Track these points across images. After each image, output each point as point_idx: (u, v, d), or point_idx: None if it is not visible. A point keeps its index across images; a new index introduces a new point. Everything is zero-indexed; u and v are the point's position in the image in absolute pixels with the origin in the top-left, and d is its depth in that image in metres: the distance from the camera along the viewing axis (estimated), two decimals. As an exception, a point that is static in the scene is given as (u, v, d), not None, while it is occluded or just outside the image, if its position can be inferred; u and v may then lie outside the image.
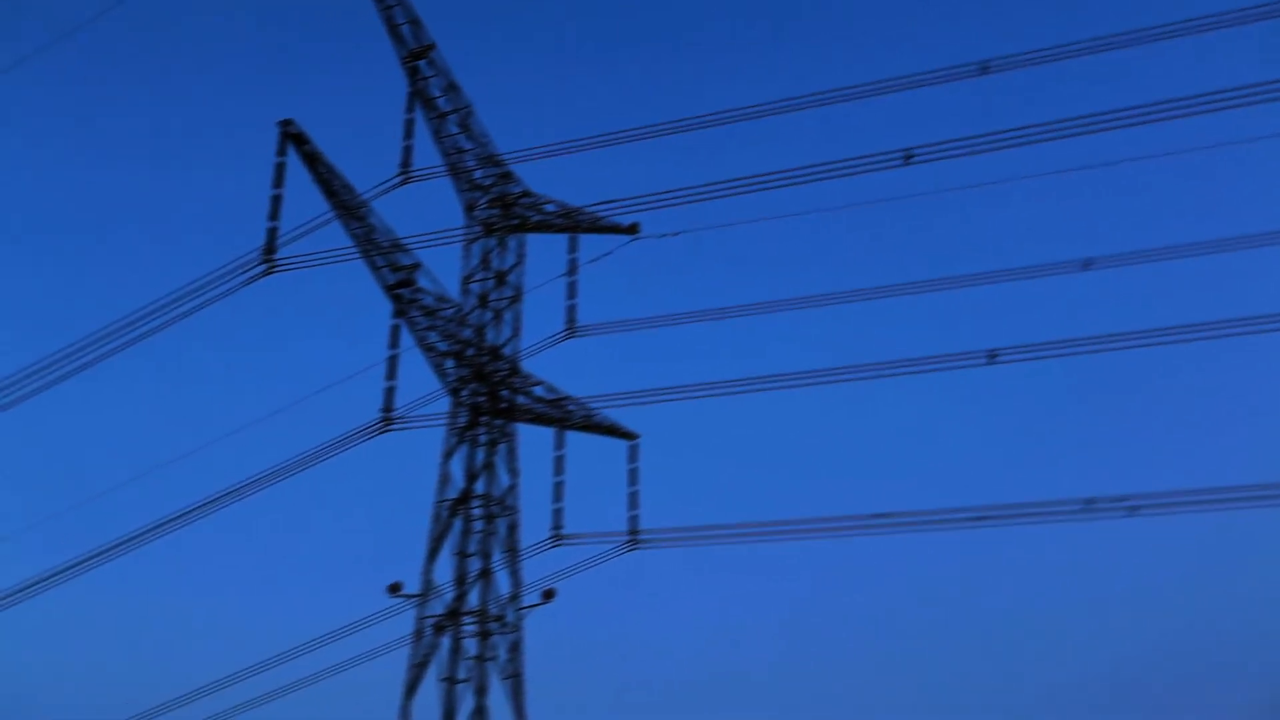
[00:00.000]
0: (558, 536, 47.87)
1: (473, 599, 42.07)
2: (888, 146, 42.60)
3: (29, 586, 40.96)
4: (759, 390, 47.55)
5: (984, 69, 42.35)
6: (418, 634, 41.64)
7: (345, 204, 41.82)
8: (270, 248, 40.00)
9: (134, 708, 42.64)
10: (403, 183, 42.66)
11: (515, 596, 43.46)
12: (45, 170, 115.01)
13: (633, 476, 50.35)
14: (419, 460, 46.53)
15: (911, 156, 42.53)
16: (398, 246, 43.34)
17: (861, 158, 42.68)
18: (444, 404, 44.82)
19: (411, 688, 40.94)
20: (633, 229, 48.48)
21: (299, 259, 40.59)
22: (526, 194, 47.61)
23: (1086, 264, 45.06)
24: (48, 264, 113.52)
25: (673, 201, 45.02)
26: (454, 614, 41.51)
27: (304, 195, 41.41)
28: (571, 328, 49.94)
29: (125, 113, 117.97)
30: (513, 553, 43.90)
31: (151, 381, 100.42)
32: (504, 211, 46.92)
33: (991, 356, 45.28)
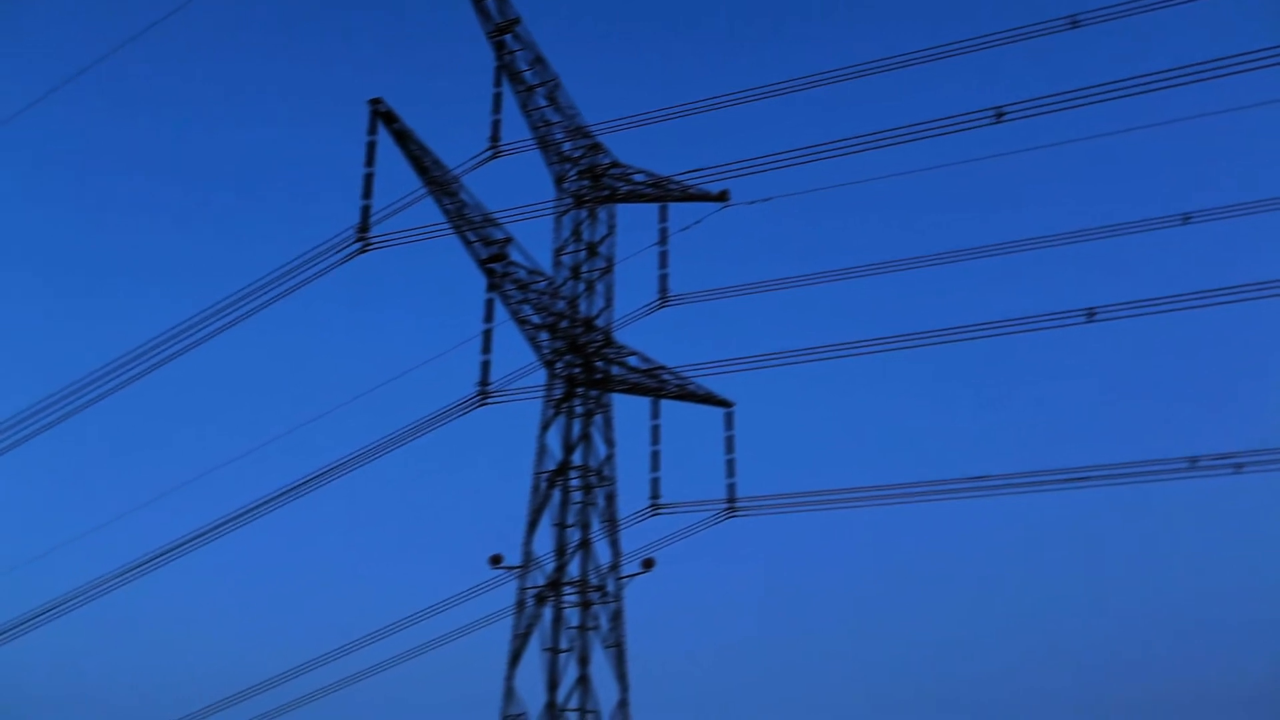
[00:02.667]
0: (656, 506, 47.99)
1: (573, 569, 42.35)
2: (978, 104, 41.99)
3: (145, 562, 41.87)
4: (852, 355, 47.26)
5: (1074, 23, 41.51)
6: (520, 605, 41.99)
7: (436, 180, 42.06)
8: (364, 226, 40.34)
9: (248, 680, 43.53)
10: (492, 157, 42.76)
11: (615, 566, 43.66)
12: (149, 149, 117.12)
13: (729, 444, 50.31)
14: (516, 433, 46.86)
15: (1003, 114, 41.82)
16: (489, 221, 43.53)
17: (952, 117, 42.06)
18: (540, 377, 45.12)
19: (515, 658, 41.33)
20: (722, 196, 48.30)
21: (392, 236, 40.92)
22: (615, 164, 47.57)
23: (1186, 218, 44.17)
24: (146, 243, 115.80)
25: (762, 168, 44.71)
26: (555, 584, 41.80)
27: (396, 173, 41.75)
28: (663, 297, 49.97)
29: (220, 94, 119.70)
30: (611, 523, 44.08)
31: (252, 361, 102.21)
32: (593, 183, 46.94)
33: (1090, 314, 44.57)
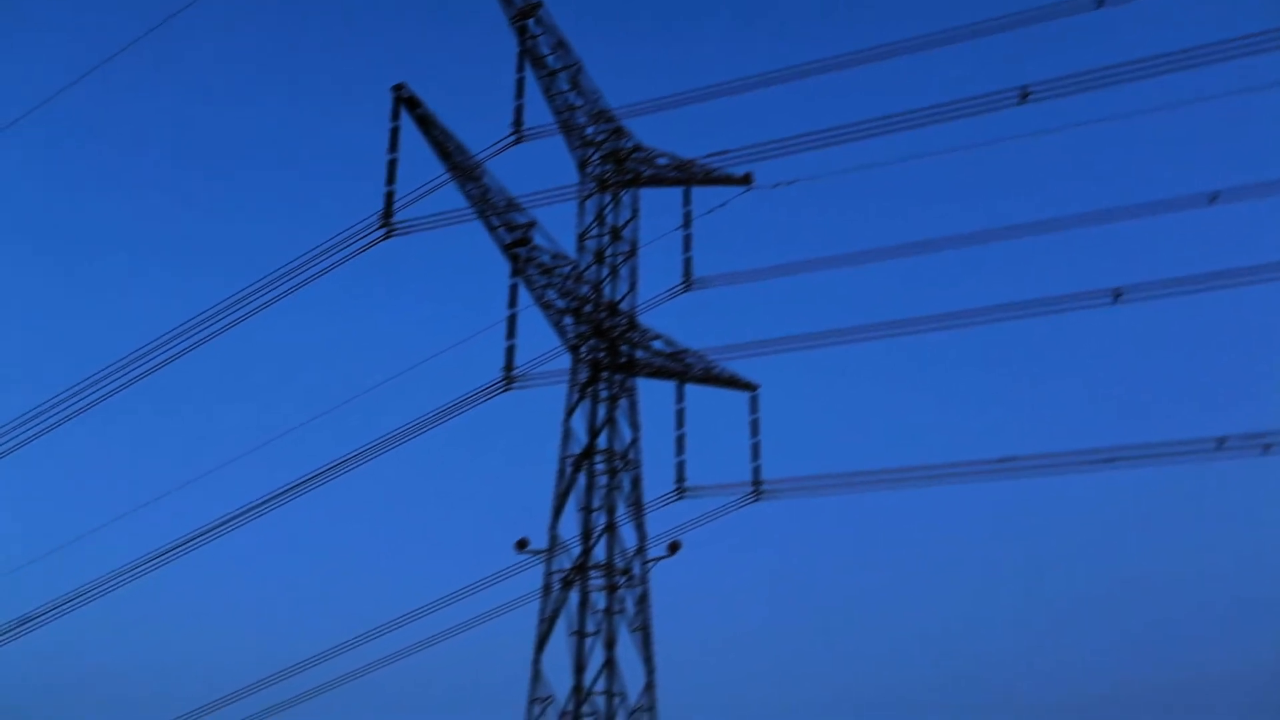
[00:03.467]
0: (681, 489, 48.04)
1: (599, 553, 42.45)
2: (1003, 85, 41.77)
3: (172, 550, 42.12)
4: (876, 338, 47.16)
5: (1099, 2, 41.21)
6: (546, 589, 42.12)
7: (460, 165, 42.10)
8: (388, 212, 40.40)
9: (275, 665, 43.78)
10: (515, 142, 42.76)
11: (641, 550, 43.72)
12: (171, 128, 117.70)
13: (754, 427, 50.30)
14: (541, 418, 46.93)
15: (1028, 94, 41.62)
16: (513, 206, 43.56)
17: (977, 97, 41.88)
18: (564, 361, 45.13)
19: (542, 642, 41.48)
20: (746, 179, 48.19)
21: (416, 222, 40.97)
22: (639, 148, 47.51)
23: (1213, 198, 43.84)
24: (169, 226, 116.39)
25: (785, 150, 44.64)
26: (581, 568, 41.90)
27: (419, 158, 41.78)
28: (688, 281, 49.89)
29: (242, 78, 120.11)
30: (637, 506, 44.15)
31: (276, 348, 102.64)
32: (617, 167, 46.89)
33: (1116, 295, 44.35)
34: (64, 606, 42.22)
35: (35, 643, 43.51)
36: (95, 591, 42.15)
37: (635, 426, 45.03)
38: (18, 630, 42.28)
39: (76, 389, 40.21)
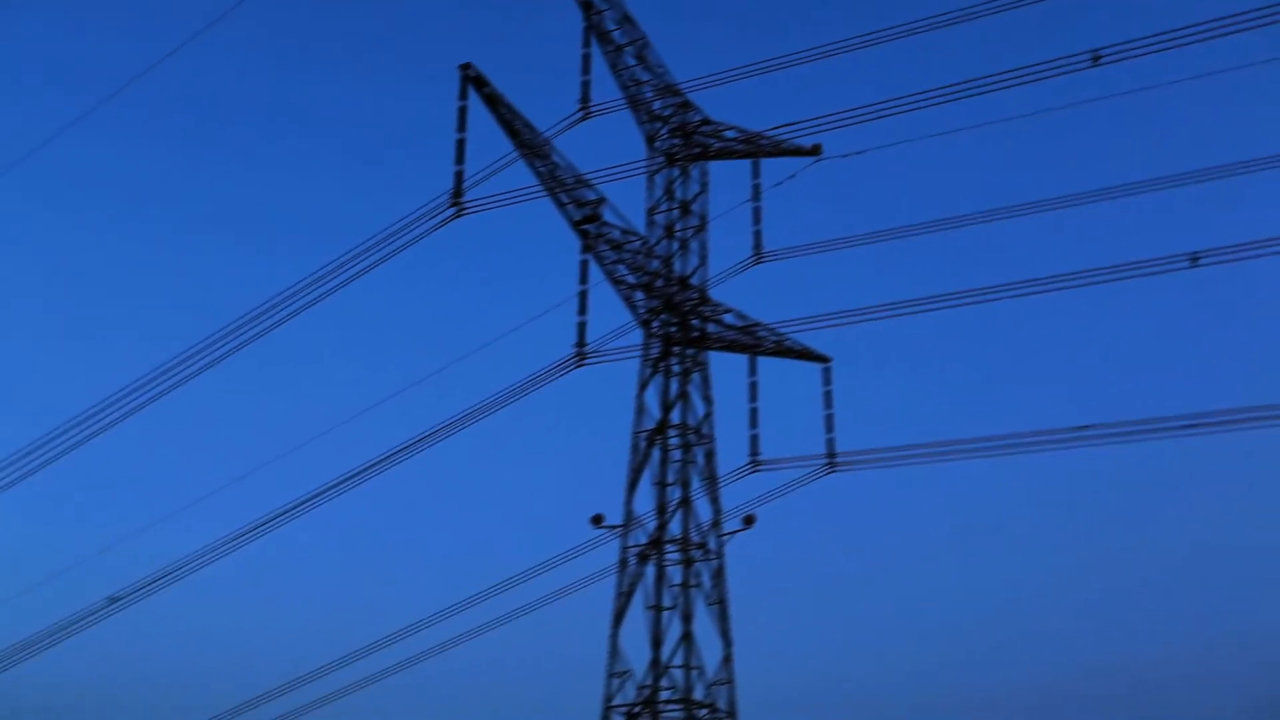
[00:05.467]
0: (755, 463, 47.96)
1: (674, 527, 42.51)
2: (1075, 48, 41.10)
3: (256, 527, 42.71)
4: (949, 307, 46.75)
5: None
6: (622, 564, 42.27)
7: (528, 143, 42.18)
8: (458, 191, 40.58)
9: (354, 643, 44.30)
10: (583, 118, 42.79)
11: (716, 523, 43.73)
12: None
13: (827, 399, 50.11)
14: (614, 394, 47.02)
15: (1100, 57, 40.93)
16: (581, 182, 43.59)
17: (1047, 62, 41.18)
18: (636, 336, 45.16)
19: (619, 617, 41.64)
20: (815, 150, 47.89)
21: (486, 200, 41.13)
22: (706, 121, 47.36)
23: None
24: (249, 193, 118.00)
25: (855, 120, 44.19)
26: (656, 543, 41.99)
27: (487, 137, 41.88)
28: (758, 253, 49.74)
29: (318, 48, 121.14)
30: (711, 480, 44.14)
31: (349, 329, 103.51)
32: (685, 140, 46.76)
33: (1194, 259, 43.63)
34: (174, 574, 42.94)
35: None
36: (200, 561, 42.80)
37: (708, 400, 45.01)
38: (109, 609, 43.11)
39: (162, 369, 40.79)
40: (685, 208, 46.28)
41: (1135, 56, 40.55)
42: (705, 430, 44.44)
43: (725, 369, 48.27)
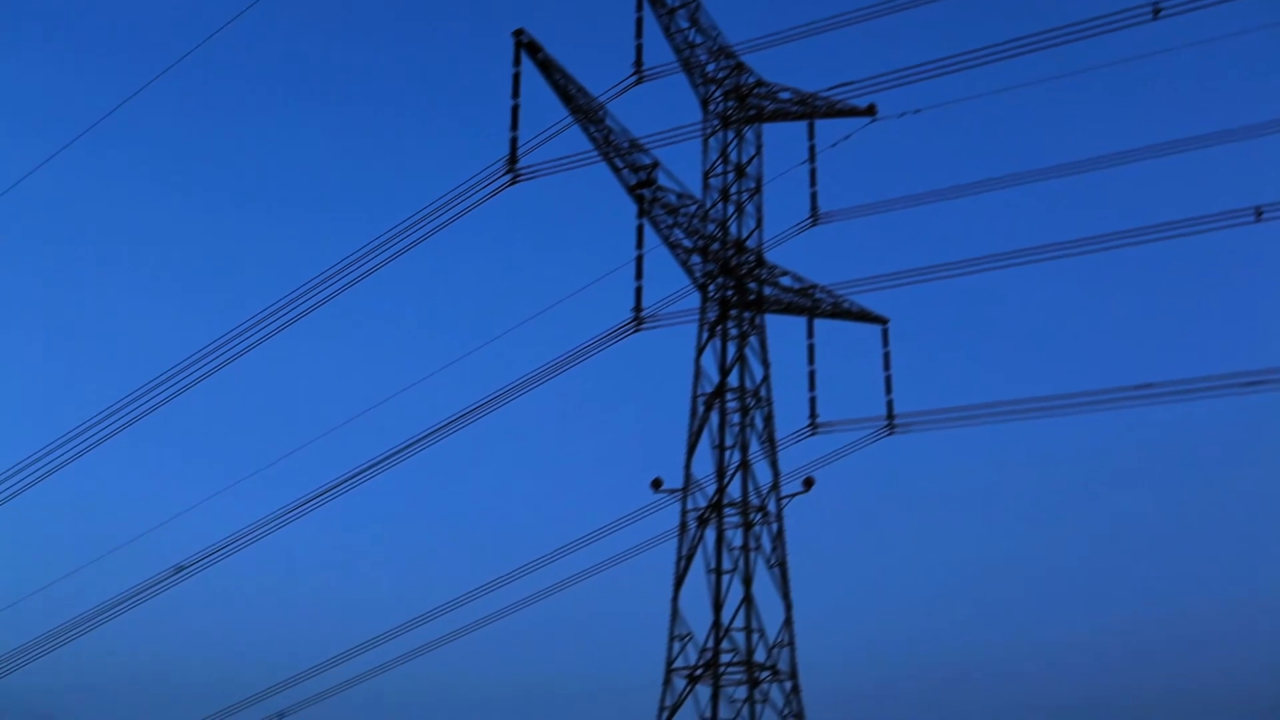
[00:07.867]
0: (814, 425, 47.94)
1: (734, 490, 42.57)
2: (1133, 2, 40.48)
3: (324, 493, 43.10)
4: (1007, 266, 46.39)
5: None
6: (682, 527, 42.40)
7: (582, 108, 42.15)
8: (513, 157, 40.61)
9: (425, 606, 44.76)
10: (637, 83, 42.68)
11: (775, 486, 43.76)
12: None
13: (886, 361, 49.94)
14: (672, 357, 47.07)
15: (1159, 10, 40.29)
16: (636, 147, 43.53)
17: (1105, 16, 40.59)
18: (693, 300, 45.14)
19: (680, 580, 41.81)
20: (870, 110, 47.60)
21: (542, 166, 41.14)
22: (760, 84, 47.10)
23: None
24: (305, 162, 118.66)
25: (909, 79, 43.85)
26: (716, 506, 42.07)
27: (541, 103, 41.89)
28: (814, 215, 49.54)
29: (371, 17, 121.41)
30: (770, 443, 44.15)
31: (407, 296, 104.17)
32: (739, 103, 46.56)
33: (1259, 214, 43.03)
34: (241, 540, 43.36)
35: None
36: (267, 529, 43.22)
37: (766, 363, 44.97)
38: (176, 577, 43.69)
39: (219, 342, 41.13)
40: (740, 170, 46.11)
41: (1197, 9, 39.95)
42: (763, 393, 44.43)
43: (783, 331, 48.27)
